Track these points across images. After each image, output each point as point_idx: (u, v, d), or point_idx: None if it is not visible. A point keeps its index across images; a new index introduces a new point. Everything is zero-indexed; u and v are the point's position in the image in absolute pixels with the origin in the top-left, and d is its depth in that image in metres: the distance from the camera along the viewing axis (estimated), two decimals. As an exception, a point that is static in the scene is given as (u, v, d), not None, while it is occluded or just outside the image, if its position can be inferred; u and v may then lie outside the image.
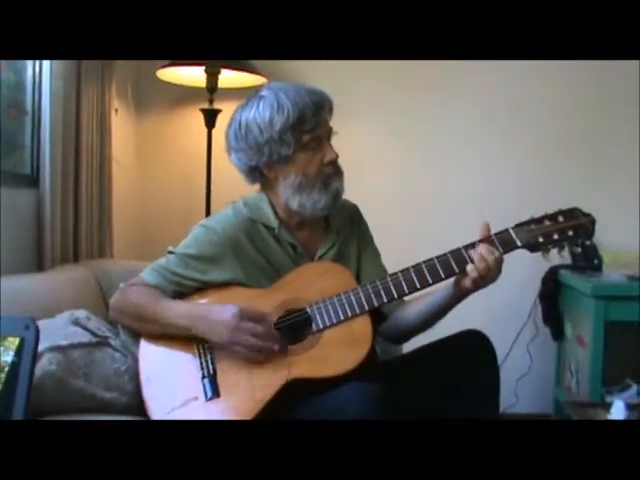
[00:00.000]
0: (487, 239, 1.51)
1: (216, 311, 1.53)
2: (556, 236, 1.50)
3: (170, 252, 1.66)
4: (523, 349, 3.05)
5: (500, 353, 1.58)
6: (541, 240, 1.50)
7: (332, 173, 1.62)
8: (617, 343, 2.66)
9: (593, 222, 1.50)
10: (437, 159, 3.14)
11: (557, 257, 1.55)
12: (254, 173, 1.66)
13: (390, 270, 1.71)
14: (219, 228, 1.64)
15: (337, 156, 1.62)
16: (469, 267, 1.48)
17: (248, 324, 1.50)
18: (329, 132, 1.63)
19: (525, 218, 1.53)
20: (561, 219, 1.50)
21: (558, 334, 2.96)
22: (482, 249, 1.48)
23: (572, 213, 1.51)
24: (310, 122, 1.57)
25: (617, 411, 1.87)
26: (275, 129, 1.56)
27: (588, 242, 2.61)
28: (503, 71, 3.04)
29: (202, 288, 1.63)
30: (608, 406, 1.96)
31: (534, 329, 3.05)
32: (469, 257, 1.49)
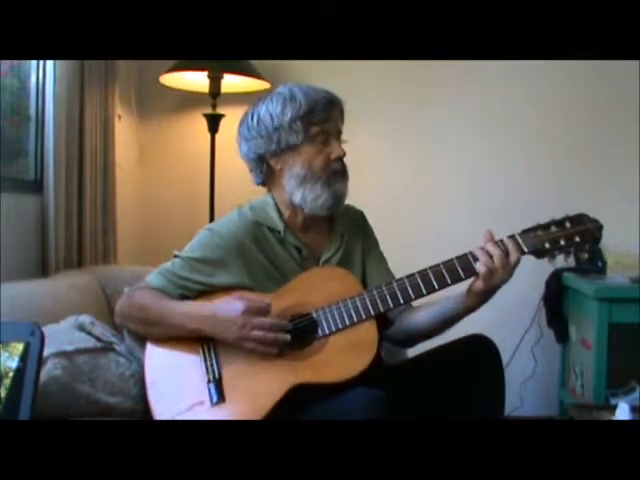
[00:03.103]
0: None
1: (222, 309, 1.53)
2: (563, 242, 1.49)
3: (175, 256, 1.66)
4: (527, 352, 3.05)
5: (504, 356, 1.57)
6: (548, 246, 1.49)
7: (338, 171, 1.63)
8: (621, 345, 2.65)
9: (600, 228, 1.48)
10: (436, 163, 3.14)
11: (561, 260, 1.54)
12: (261, 165, 1.68)
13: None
14: (224, 231, 1.64)
15: (344, 153, 1.63)
16: (477, 264, 1.47)
17: (256, 318, 1.50)
18: (338, 131, 1.66)
19: (527, 222, 1.52)
20: (568, 225, 1.49)
21: (562, 337, 2.95)
22: (488, 245, 1.49)
23: (579, 219, 1.50)
24: (320, 115, 1.61)
25: (622, 413, 1.87)
26: (286, 117, 1.60)
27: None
28: (502, 74, 3.05)
29: (208, 292, 1.63)
30: (613, 408, 1.95)
31: (538, 332, 3.05)
32: (475, 259, 1.49)
